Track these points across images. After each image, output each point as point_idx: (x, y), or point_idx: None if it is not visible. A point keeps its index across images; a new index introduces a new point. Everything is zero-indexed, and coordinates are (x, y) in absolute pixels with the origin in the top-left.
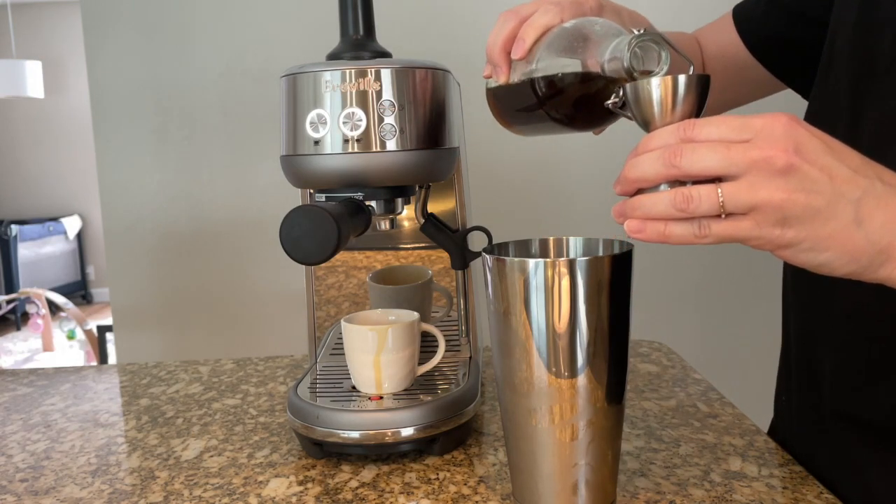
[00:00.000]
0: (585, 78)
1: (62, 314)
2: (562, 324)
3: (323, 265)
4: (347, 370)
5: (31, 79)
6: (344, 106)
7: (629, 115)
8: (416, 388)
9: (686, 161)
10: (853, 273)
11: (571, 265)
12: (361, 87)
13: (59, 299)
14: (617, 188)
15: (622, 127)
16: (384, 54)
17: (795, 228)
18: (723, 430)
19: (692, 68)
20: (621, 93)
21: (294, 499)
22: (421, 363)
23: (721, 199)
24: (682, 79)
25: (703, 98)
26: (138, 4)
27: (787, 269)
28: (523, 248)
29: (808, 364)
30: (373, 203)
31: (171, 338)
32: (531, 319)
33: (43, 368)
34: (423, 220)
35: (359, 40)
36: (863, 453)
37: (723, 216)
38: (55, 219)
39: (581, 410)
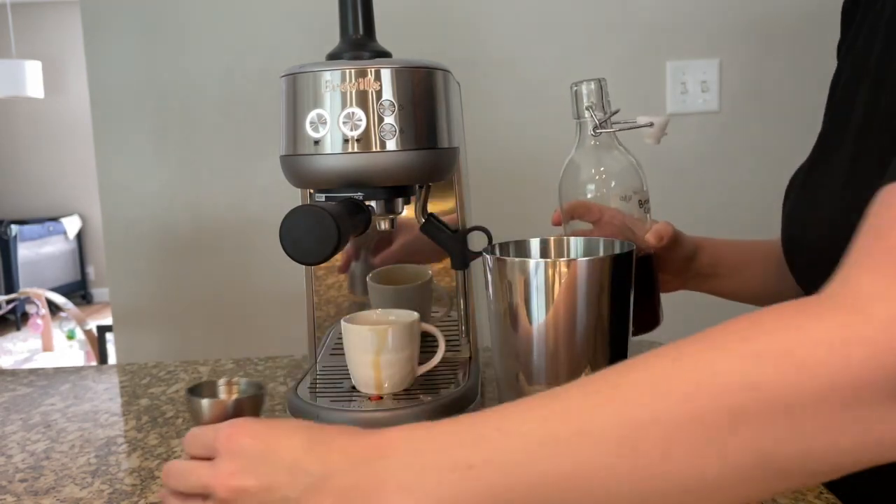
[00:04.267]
0: None
1: (62, 314)
2: (562, 324)
3: (323, 265)
4: (347, 370)
5: (31, 79)
6: (344, 106)
7: None
8: (416, 388)
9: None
10: None
11: (572, 265)
12: (361, 87)
13: (58, 299)
14: None
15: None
16: (384, 54)
17: None
18: None
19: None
20: None
21: None
22: (421, 363)
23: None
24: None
25: None
26: (138, 5)
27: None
28: (523, 248)
29: None
30: (373, 203)
31: (171, 338)
32: (532, 319)
33: (43, 368)
34: (423, 220)
35: (359, 40)
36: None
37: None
38: (55, 219)
39: None
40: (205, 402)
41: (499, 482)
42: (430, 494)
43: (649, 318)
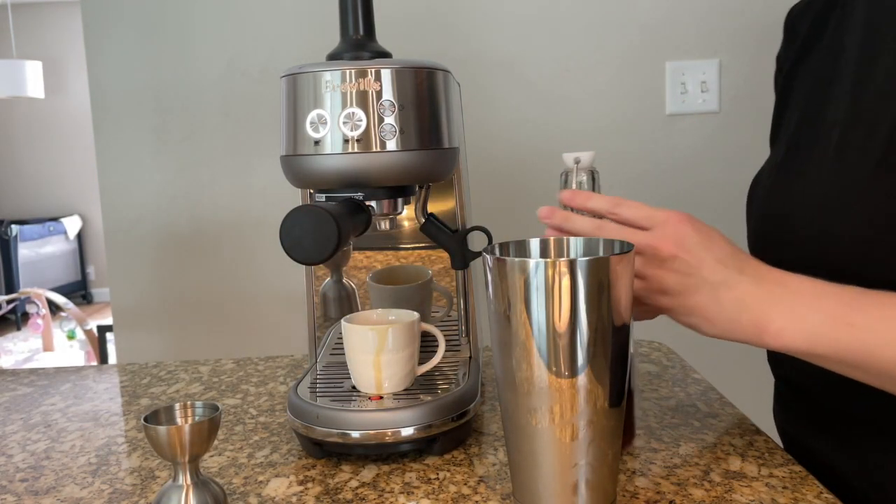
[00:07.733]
0: None
1: (62, 314)
2: (562, 324)
3: (323, 265)
4: (347, 370)
5: (31, 79)
6: (344, 106)
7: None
8: (416, 388)
9: (604, 233)
10: (717, 335)
11: (572, 265)
12: (361, 87)
13: (59, 299)
14: (549, 222)
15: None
16: (384, 54)
17: (671, 297)
18: (723, 430)
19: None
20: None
21: (294, 499)
22: (421, 363)
23: None
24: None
25: None
26: (138, 4)
27: None
28: (523, 248)
29: (804, 373)
30: (373, 203)
31: (172, 338)
32: (531, 319)
33: (43, 368)
34: (423, 220)
35: (359, 40)
36: (869, 447)
37: None
38: (55, 219)
39: (581, 410)
40: (161, 430)
41: (859, 346)
42: (810, 326)
43: (627, 432)
